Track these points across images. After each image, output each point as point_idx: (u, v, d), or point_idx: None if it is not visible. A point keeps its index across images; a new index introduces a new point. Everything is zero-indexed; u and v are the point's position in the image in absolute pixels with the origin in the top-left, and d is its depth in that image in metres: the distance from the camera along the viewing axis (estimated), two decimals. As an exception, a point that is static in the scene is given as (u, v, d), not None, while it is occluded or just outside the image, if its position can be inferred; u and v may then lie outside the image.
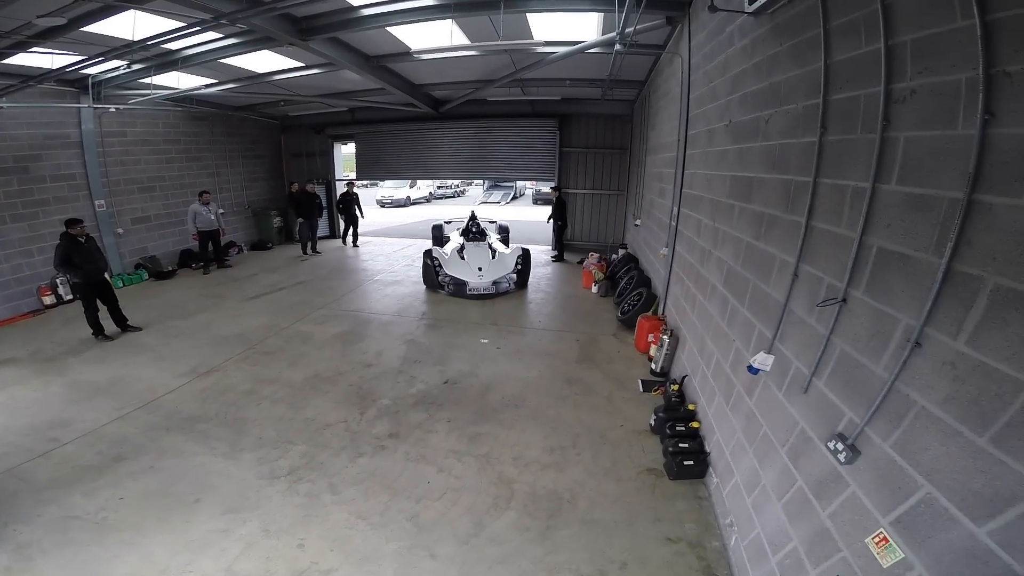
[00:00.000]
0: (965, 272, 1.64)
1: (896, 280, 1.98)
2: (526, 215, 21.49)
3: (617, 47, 5.86)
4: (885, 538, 1.92)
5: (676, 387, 5.01)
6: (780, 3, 3.13)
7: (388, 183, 29.18)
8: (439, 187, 30.70)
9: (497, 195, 27.65)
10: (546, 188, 22.32)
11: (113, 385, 5.69)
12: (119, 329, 7.24)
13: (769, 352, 3.01)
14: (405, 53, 7.95)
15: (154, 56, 7.22)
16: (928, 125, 1.86)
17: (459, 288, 8.80)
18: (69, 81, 8.22)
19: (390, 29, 6.71)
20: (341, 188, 13.81)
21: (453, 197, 30.35)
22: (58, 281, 8.58)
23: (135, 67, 7.63)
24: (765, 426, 3.06)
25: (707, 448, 4.10)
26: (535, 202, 24.37)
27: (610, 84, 9.14)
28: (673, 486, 3.96)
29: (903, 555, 1.83)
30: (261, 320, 7.94)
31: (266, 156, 13.73)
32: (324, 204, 13.44)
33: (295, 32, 6.24)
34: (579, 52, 7.19)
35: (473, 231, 10.87)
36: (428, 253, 9.38)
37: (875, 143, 2.10)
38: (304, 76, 8.94)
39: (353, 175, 14.73)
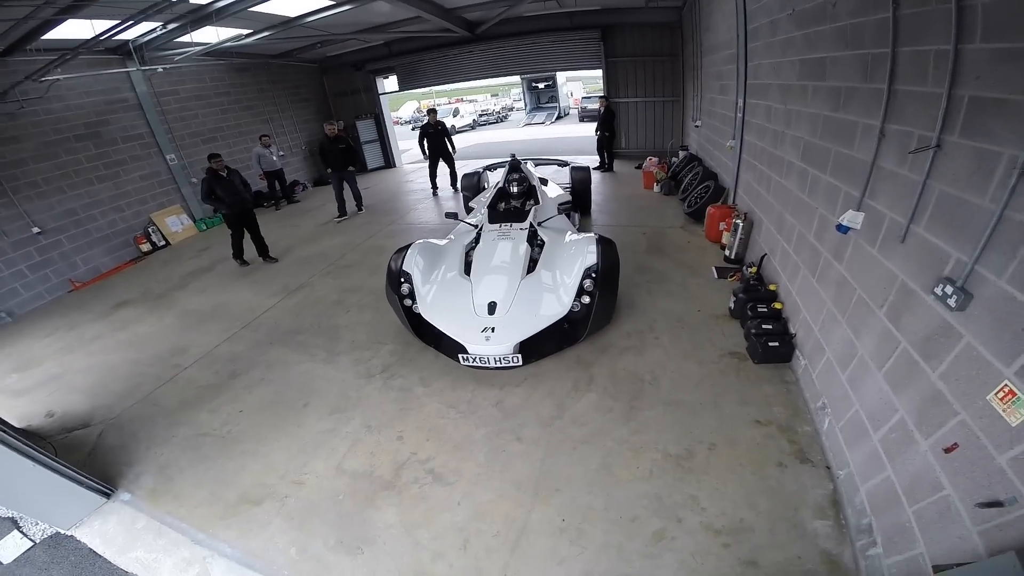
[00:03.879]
0: None
1: (993, 121, 1.93)
2: (572, 132, 20.59)
3: None
4: (1011, 391, 1.72)
5: (754, 269, 4.84)
6: None
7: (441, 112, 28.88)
8: (481, 114, 29.70)
9: (541, 116, 26.32)
10: (592, 104, 21.16)
11: (217, 311, 6.17)
12: (261, 258, 7.68)
13: (859, 209, 2.89)
14: None
15: (186, 13, 7.11)
16: None
17: (451, 350, 4.19)
18: (111, 49, 8.35)
19: None
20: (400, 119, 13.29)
21: (497, 123, 29.24)
22: (149, 230, 9.20)
23: (170, 26, 7.59)
24: (859, 289, 2.90)
25: (792, 329, 3.95)
26: (581, 120, 23.06)
27: None
28: (757, 370, 3.86)
29: None
30: (336, 240, 8.41)
31: (312, 99, 13.67)
32: (351, 146, 9.94)
33: None
34: None
35: (511, 197, 6.22)
36: (394, 273, 4.65)
37: (951, 11, 2.09)
38: (335, 14, 8.54)
39: (434, 103, 14.16)
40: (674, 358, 4.13)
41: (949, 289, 2.04)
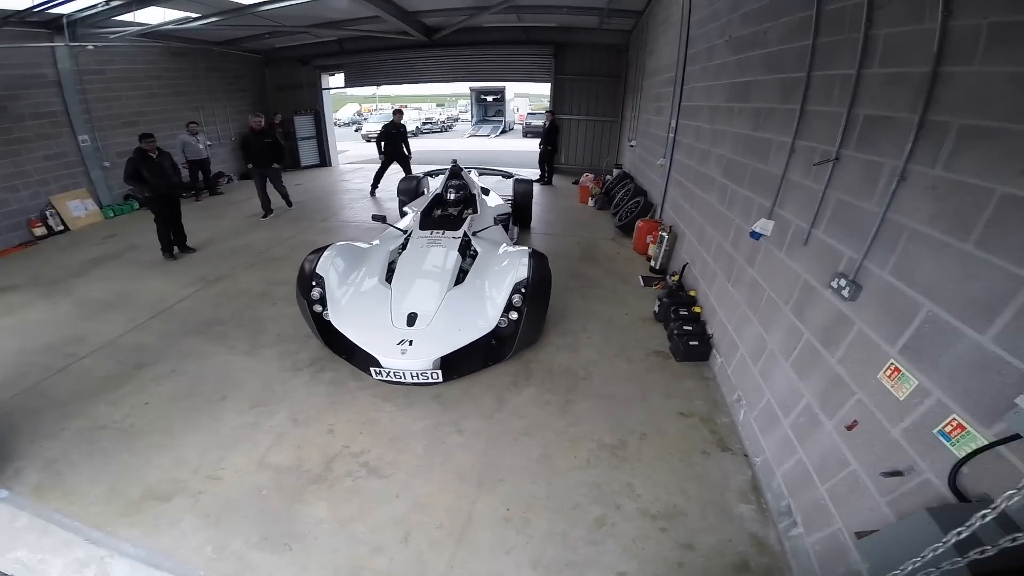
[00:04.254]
0: (935, 120, 1.96)
1: (881, 135, 2.28)
2: (516, 146, 21.01)
3: None
4: (896, 368, 1.96)
5: (676, 277, 5.18)
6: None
7: (373, 118, 28.10)
8: (425, 122, 29.49)
9: (486, 128, 26.61)
10: (537, 120, 21.66)
11: (123, 300, 5.59)
12: (176, 248, 7.08)
13: (769, 218, 3.26)
14: None
15: None
16: (902, 23, 2.21)
17: (362, 361, 3.78)
18: (41, 23, 7.65)
19: None
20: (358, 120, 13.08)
21: (441, 132, 29.14)
22: (47, 213, 8.26)
23: (113, 3, 7.03)
24: (769, 290, 3.23)
25: (709, 330, 4.25)
26: (525, 135, 23.52)
27: (608, 13, 8.91)
28: (680, 367, 4.12)
29: (917, 381, 1.86)
30: (263, 234, 8.00)
31: (249, 90, 13.04)
32: (281, 141, 9.49)
33: None
34: None
35: (448, 204, 5.88)
36: (305, 275, 4.21)
37: (859, 40, 2.46)
38: (292, 6, 8.28)
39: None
40: (605, 356, 4.29)
41: (843, 282, 2.34)
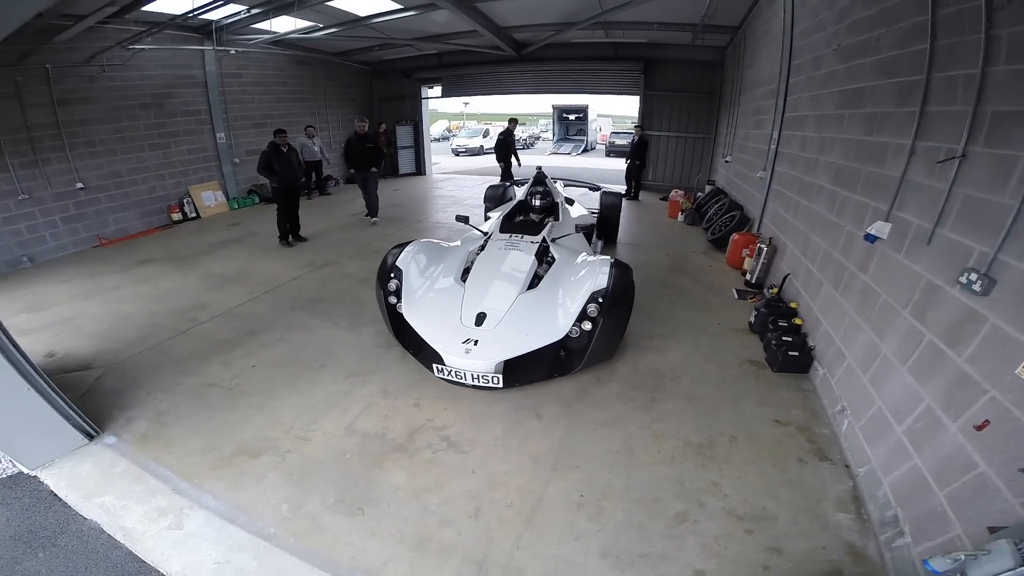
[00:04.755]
0: None
1: (1013, 130, 2.20)
2: (598, 164, 20.87)
3: None
4: None
5: (775, 290, 4.87)
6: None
7: (463, 132, 29.13)
8: (509, 138, 30.21)
9: (567, 147, 26.39)
10: (620, 140, 21.34)
11: (241, 275, 6.18)
12: (291, 236, 7.70)
13: (886, 220, 3.12)
14: None
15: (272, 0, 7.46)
16: None
17: (427, 358, 3.72)
18: (193, 28, 8.73)
19: None
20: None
21: (523, 149, 29.58)
22: (184, 201, 9.35)
23: (254, 11, 7.94)
24: (884, 294, 3.06)
25: (811, 343, 3.96)
26: (608, 154, 23.20)
27: (703, 29, 8.64)
28: (776, 377, 3.85)
29: None
30: (367, 229, 8.54)
31: (359, 99, 13.98)
32: (384, 149, 9.98)
33: None
34: None
35: (531, 210, 5.76)
36: (385, 267, 4.28)
37: (980, 40, 2.42)
38: (400, 19, 8.93)
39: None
40: (695, 360, 4.10)
41: (974, 276, 2.21)
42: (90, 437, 3.17)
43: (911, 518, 2.26)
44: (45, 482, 2.85)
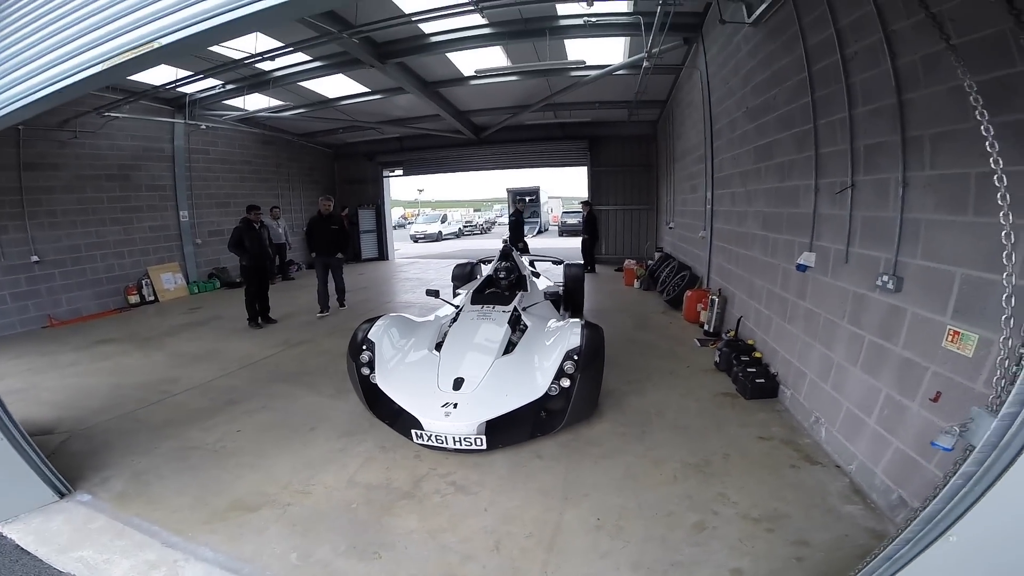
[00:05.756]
0: (912, 135, 2.52)
1: (880, 158, 2.81)
2: (554, 244, 21.87)
3: (645, 64, 6.36)
4: (955, 331, 2.19)
5: (732, 333, 5.29)
6: (769, 13, 4.28)
7: (420, 219, 29.92)
8: (466, 224, 31.25)
9: (524, 229, 27.86)
10: (572, 219, 22.56)
11: (211, 354, 5.94)
12: (259, 320, 7.33)
13: (810, 250, 3.69)
14: (459, 79, 8.73)
15: (249, 76, 7.88)
16: (867, 69, 2.90)
17: (404, 425, 3.63)
18: (166, 100, 8.95)
19: (449, 55, 7.41)
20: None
21: (481, 234, 30.64)
22: (143, 282, 9.02)
23: (229, 87, 8.31)
24: (824, 313, 3.52)
25: (773, 370, 4.30)
26: (561, 234, 24.49)
27: (636, 104, 9.78)
28: (749, 404, 4.13)
29: (976, 335, 2.07)
30: (339, 311, 8.17)
31: (321, 182, 14.32)
32: (346, 229, 8.32)
33: (375, 55, 6.85)
34: (610, 73, 7.78)
35: (499, 284, 5.72)
36: (357, 342, 4.13)
37: (843, 90, 3.12)
38: (365, 101, 9.64)
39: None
40: (673, 398, 4.32)
41: (886, 278, 2.68)
42: (61, 495, 2.96)
43: (916, 495, 2.39)
44: (8, 536, 2.63)
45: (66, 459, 3.35)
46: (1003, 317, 1.42)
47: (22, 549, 2.54)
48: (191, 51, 2.27)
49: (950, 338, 2.22)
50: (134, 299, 8.81)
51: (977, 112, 1.52)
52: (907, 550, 1.26)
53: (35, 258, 7.32)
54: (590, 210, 12.02)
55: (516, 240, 11.63)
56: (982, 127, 1.47)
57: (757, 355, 4.52)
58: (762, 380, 4.14)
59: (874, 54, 2.77)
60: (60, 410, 4.21)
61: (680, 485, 2.99)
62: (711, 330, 6.07)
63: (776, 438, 3.51)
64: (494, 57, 7.77)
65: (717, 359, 4.90)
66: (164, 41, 2.00)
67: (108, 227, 8.52)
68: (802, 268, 3.74)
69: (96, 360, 5.72)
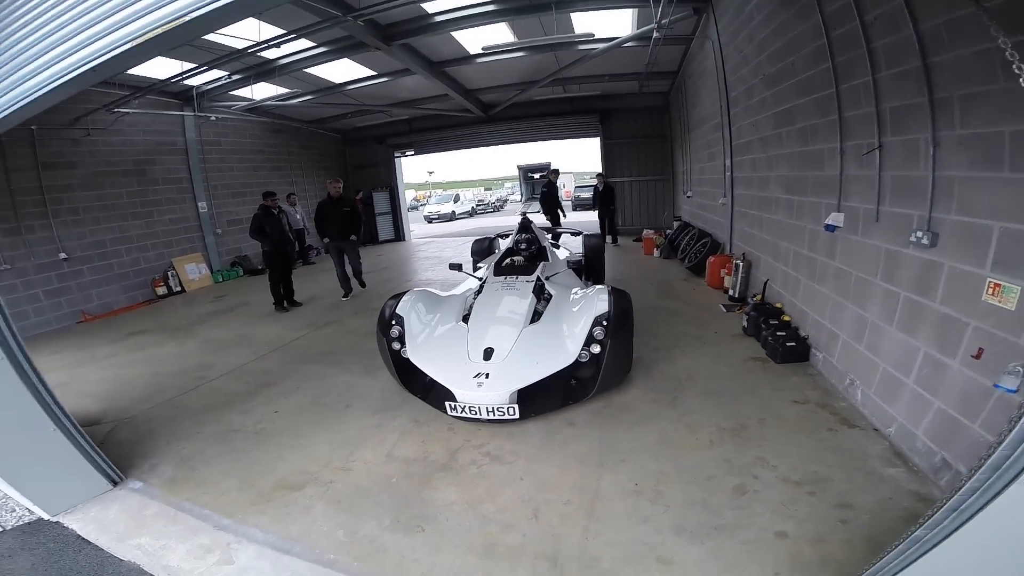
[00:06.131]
0: (940, 97, 2.47)
1: (908, 119, 2.75)
2: (570, 219, 21.54)
3: (655, 35, 6.17)
4: (996, 284, 2.12)
5: (759, 296, 5.17)
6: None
7: (433, 199, 29.78)
8: (479, 203, 30.93)
9: (536, 205, 27.41)
10: (585, 193, 22.10)
11: (242, 339, 6.04)
12: (285, 302, 7.39)
13: (838, 211, 3.61)
14: (465, 57, 8.55)
15: (254, 66, 7.80)
16: (888, 34, 2.84)
17: (437, 398, 3.63)
18: (173, 93, 8.91)
19: (454, 34, 7.25)
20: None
21: (494, 212, 30.29)
22: (169, 273, 9.16)
23: (235, 77, 8.24)
24: (855, 271, 3.45)
25: (803, 333, 4.23)
26: (574, 208, 24.10)
27: (647, 76, 9.48)
28: (781, 368, 4.07)
29: (1018, 287, 2.00)
30: (362, 291, 8.19)
31: (333, 168, 14.27)
32: (358, 212, 8.07)
33: (380, 37, 6.70)
34: (619, 45, 7.54)
35: (521, 255, 5.53)
36: (386, 316, 4.15)
37: (865, 54, 3.05)
38: (373, 85, 9.51)
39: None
40: (703, 363, 4.29)
41: (920, 234, 2.62)
42: (114, 483, 3.06)
43: (960, 457, 2.35)
44: (69, 527, 2.71)
45: (115, 448, 3.44)
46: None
47: (84, 539, 2.61)
48: (187, 39, 2.22)
49: (991, 291, 2.15)
50: (161, 290, 8.97)
51: (1015, 66, 1.45)
52: (975, 499, 1.22)
53: (63, 255, 7.46)
54: (605, 182, 11.61)
55: (552, 215, 11.28)
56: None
57: (786, 318, 4.45)
58: (792, 344, 4.07)
59: (894, 20, 2.72)
60: (104, 401, 4.33)
61: (717, 449, 2.97)
62: (736, 295, 5.98)
63: (811, 402, 3.47)
64: (500, 33, 7.58)
65: (745, 324, 4.84)
66: (159, 31, 1.96)
67: (130, 222, 8.63)
68: (831, 228, 3.67)
69: (132, 351, 5.86)
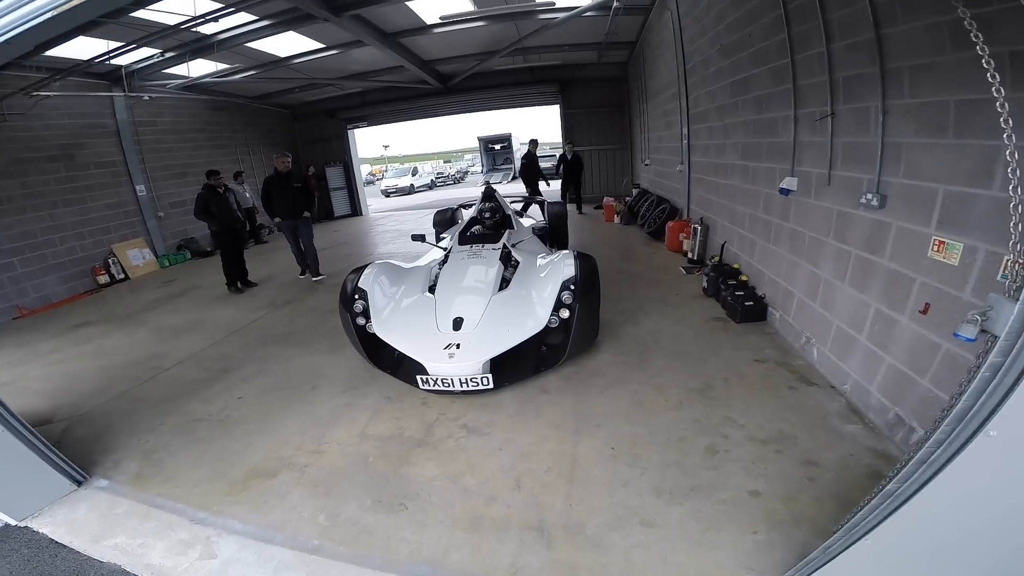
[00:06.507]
0: (891, 67, 2.55)
1: (860, 88, 2.84)
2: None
3: (615, 4, 6.17)
4: (940, 241, 2.22)
5: (716, 258, 5.35)
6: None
7: (390, 172, 28.87)
8: (438, 176, 30.20)
9: (498, 176, 26.56)
10: (545, 164, 21.79)
11: (196, 324, 5.74)
12: (238, 283, 7.05)
13: (792, 176, 3.71)
14: (421, 28, 8.14)
15: (190, 42, 7.18)
16: (845, 6, 2.89)
17: (408, 373, 3.61)
18: (100, 74, 8.18)
19: (409, 3, 6.86)
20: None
21: (454, 184, 29.70)
22: (110, 261, 8.56)
23: (168, 55, 7.57)
24: (808, 232, 3.56)
25: (760, 292, 4.39)
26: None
27: (606, 46, 9.45)
28: (741, 327, 4.23)
29: (961, 244, 2.10)
30: (323, 267, 7.71)
31: (282, 143, 13.45)
32: (310, 187, 7.95)
33: (328, 8, 6.23)
34: (580, 15, 7.39)
35: (484, 224, 5.23)
36: (348, 292, 3.97)
37: (820, 25, 3.13)
38: (321, 58, 8.97)
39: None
40: (667, 325, 4.41)
41: (870, 196, 2.72)
42: (78, 483, 2.88)
43: (913, 412, 2.45)
44: (39, 531, 2.56)
45: (73, 447, 3.22)
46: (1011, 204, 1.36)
47: (57, 543, 2.48)
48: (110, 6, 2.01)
49: (936, 248, 2.26)
50: (103, 279, 8.38)
51: (972, 35, 1.46)
52: (943, 451, 1.27)
53: (-11, 249, 6.81)
54: (575, 152, 10.92)
55: (533, 187, 10.79)
56: (983, 58, 1.40)
57: (743, 278, 4.60)
58: (751, 303, 4.22)
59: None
60: (53, 399, 4.04)
61: (686, 410, 3.06)
62: (695, 258, 6.15)
63: (770, 360, 3.60)
64: (458, 2, 7.27)
65: (705, 285, 4.99)
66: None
67: (61, 209, 7.96)
68: (785, 192, 3.81)
69: (78, 344, 5.47)
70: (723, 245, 5.34)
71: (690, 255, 6.26)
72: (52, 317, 6.83)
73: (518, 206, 8.30)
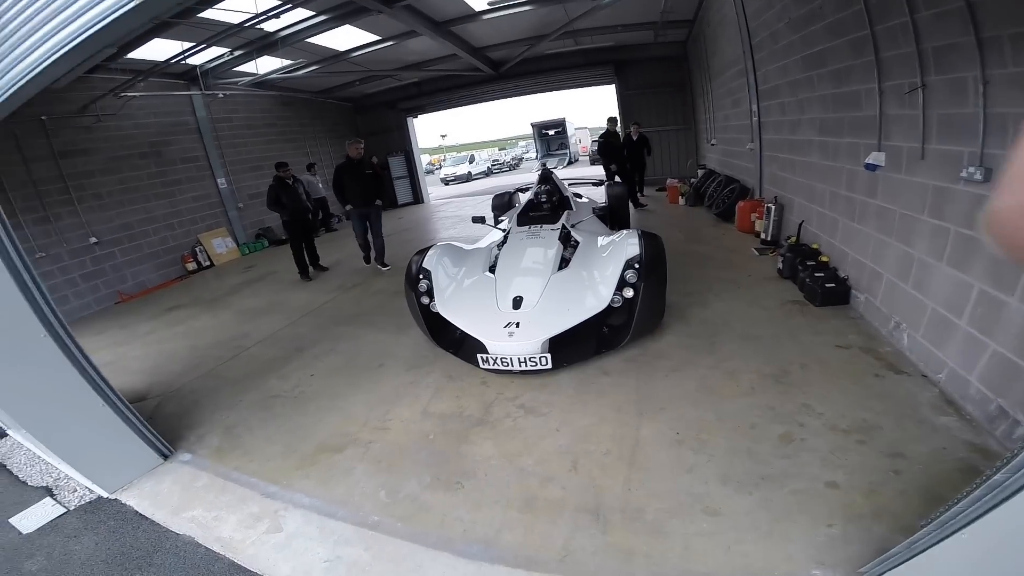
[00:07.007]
0: (989, 36, 2.33)
1: (954, 57, 2.60)
2: (587, 173, 21.05)
3: None
4: None
5: (793, 239, 4.94)
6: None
7: (448, 161, 29.31)
8: (494, 163, 30.30)
9: (553, 161, 26.15)
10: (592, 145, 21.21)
11: (273, 307, 6.09)
12: (311, 268, 7.37)
13: (879, 151, 3.40)
14: (470, 15, 8.13)
15: (255, 40, 7.57)
16: None
17: (469, 352, 3.60)
18: (178, 74, 8.77)
19: None
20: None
21: (510, 171, 29.67)
22: (197, 249, 9.26)
23: (236, 52, 8.03)
24: (899, 209, 3.24)
25: (842, 274, 4.04)
26: (592, 163, 23.40)
27: (662, 25, 8.97)
28: (820, 311, 3.90)
29: None
30: (390, 251, 7.72)
31: (347, 136, 13.76)
32: (380, 174, 7.45)
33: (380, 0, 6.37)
34: None
35: (541, 207, 5.31)
36: (413, 273, 4.07)
37: None
38: (378, 50, 9.17)
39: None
40: (739, 307, 4.15)
41: (973, 169, 2.47)
42: (164, 456, 3.10)
43: (1019, 404, 2.19)
44: (127, 503, 2.74)
45: (162, 422, 3.48)
46: None
47: (141, 515, 2.64)
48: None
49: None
50: (191, 266, 9.08)
51: None
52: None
53: (93, 239, 7.56)
54: (640, 132, 9.41)
55: (614, 163, 9.33)
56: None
57: (824, 259, 4.24)
58: (832, 285, 3.88)
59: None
60: (148, 376, 4.41)
61: (759, 396, 2.86)
62: (768, 238, 5.77)
63: (854, 346, 3.29)
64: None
65: (780, 266, 4.67)
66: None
67: (154, 202, 8.67)
68: (871, 167, 3.47)
69: (171, 326, 5.96)
70: (800, 224, 4.95)
71: (763, 236, 5.88)
72: (148, 301, 7.49)
73: (577, 188, 8.07)
